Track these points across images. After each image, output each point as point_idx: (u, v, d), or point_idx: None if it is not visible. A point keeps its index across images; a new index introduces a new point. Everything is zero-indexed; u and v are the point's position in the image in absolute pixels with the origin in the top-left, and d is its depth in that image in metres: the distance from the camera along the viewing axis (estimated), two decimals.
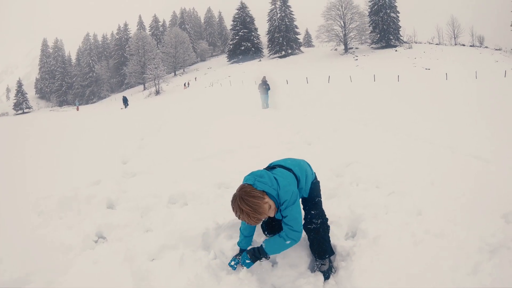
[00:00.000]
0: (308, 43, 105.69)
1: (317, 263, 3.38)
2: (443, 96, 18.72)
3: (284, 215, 3.02)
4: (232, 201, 2.97)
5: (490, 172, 5.50)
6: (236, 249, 3.47)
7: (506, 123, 10.06)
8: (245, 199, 2.86)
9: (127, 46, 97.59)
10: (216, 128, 11.15)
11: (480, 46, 77.41)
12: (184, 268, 3.26)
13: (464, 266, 3.07)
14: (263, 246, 3.14)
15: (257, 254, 3.17)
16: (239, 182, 4.96)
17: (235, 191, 3.01)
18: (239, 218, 2.94)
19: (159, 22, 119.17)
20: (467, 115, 11.61)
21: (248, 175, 3.20)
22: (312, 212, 3.37)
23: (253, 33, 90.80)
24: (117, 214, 4.26)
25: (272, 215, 3.05)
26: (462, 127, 9.42)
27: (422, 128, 9.31)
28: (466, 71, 41.54)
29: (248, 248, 3.29)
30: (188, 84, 65.91)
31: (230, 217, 3.79)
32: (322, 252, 3.33)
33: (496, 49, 72.74)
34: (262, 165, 5.84)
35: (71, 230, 3.92)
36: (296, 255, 3.39)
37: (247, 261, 3.21)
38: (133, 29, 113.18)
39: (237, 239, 3.49)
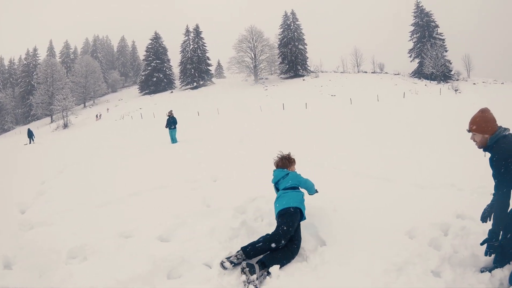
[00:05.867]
0: (220, 74, 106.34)
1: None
2: (346, 121, 19.87)
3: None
4: None
5: (392, 191, 5.85)
6: None
7: (404, 140, 10.91)
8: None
9: (35, 73, 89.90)
10: (122, 168, 10.52)
11: (381, 72, 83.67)
12: None
13: None
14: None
15: None
16: (143, 229, 4.86)
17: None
18: None
19: (71, 49, 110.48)
20: (368, 138, 12.39)
21: None
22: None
23: (165, 64, 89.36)
24: (14, 275, 3.84)
25: None
26: (364, 150, 9.99)
27: (327, 154, 9.71)
28: (369, 95, 44.89)
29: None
30: (100, 116, 63.23)
31: (129, 273, 3.63)
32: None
33: (395, 74, 78.98)
34: (167, 208, 5.76)
35: None
36: None
37: None
38: (42, 54, 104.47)
39: None
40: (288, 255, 3.72)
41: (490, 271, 3.26)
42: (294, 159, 4.90)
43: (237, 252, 3.74)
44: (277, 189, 4.67)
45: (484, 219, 3.39)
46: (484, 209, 3.41)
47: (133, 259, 3.94)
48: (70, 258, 4.27)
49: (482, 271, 3.31)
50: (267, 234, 3.88)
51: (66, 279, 3.72)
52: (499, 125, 3.18)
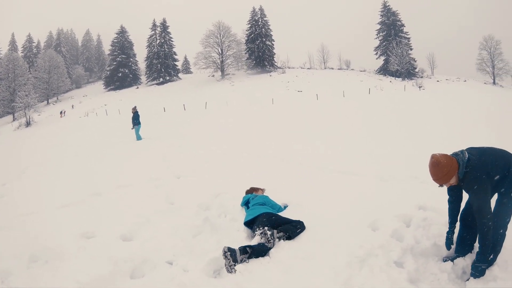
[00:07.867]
0: (187, 69, 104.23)
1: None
2: (312, 116, 19.99)
3: None
4: None
5: (356, 184, 5.88)
6: None
7: (368, 135, 11.08)
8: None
9: None
10: (84, 168, 10.11)
11: (347, 69, 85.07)
12: None
13: (334, 284, 3.09)
14: None
15: None
16: (105, 229, 4.73)
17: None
18: None
19: (34, 42, 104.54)
20: (333, 133, 12.53)
21: None
22: None
23: (131, 59, 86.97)
24: None
25: None
26: (329, 145, 10.08)
27: (292, 150, 9.73)
28: (335, 91, 45.52)
29: None
30: (64, 113, 60.99)
31: (91, 274, 3.54)
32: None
33: (361, 71, 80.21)
34: (129, 207, 5.64)
35: None
36: None
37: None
38: (4, 48, 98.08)
39: None
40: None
41: (452, 260, 3.30)
42: (262, 189, 5.49)
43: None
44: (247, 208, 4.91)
45: (449, 246, 3.39)
46: (447, 237, 3.41)
47: (96, 260, 3.85)
48: (32, 262, 4.08)
49: (444, 261, 3.35)
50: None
51: (28, 283, 3.60)
52: (451, 154, 3.11)
